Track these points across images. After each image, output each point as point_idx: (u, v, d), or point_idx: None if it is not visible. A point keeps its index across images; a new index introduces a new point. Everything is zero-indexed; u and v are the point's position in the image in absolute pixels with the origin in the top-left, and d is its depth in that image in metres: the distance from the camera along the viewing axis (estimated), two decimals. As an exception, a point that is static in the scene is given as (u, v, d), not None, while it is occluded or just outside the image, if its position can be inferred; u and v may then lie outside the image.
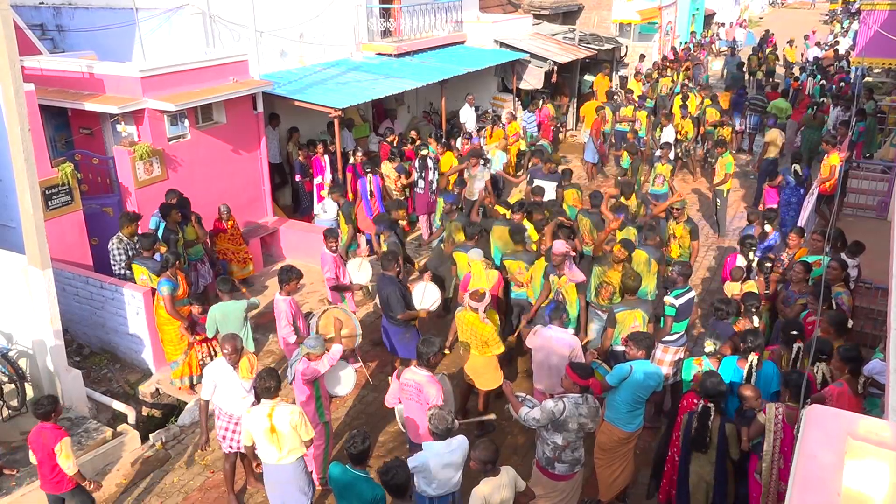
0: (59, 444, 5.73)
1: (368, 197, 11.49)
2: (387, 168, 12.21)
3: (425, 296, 7.99)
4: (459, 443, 5.35)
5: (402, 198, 11.98)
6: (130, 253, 8.56)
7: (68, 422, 7.48)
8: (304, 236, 11.46)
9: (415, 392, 6.00)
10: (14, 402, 7.50)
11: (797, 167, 12.01)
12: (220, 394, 6.29)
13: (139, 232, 8.67)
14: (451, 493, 5.45)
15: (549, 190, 11.06)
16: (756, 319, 7.25)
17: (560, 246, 7.77)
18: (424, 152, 12.32)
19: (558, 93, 19.00)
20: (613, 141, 15.92)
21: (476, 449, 5.01)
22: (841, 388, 5.64)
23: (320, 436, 6.62)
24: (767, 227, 9.40)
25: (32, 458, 5.96)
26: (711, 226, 13.28)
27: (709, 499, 5.82)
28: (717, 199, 12.85)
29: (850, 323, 6.69)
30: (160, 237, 8.90)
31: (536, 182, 11.18)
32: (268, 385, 5.66)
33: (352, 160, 12.15)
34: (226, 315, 7.70)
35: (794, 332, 6.40)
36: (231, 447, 6.46)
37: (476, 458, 4.97)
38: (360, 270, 9.09)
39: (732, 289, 8.18)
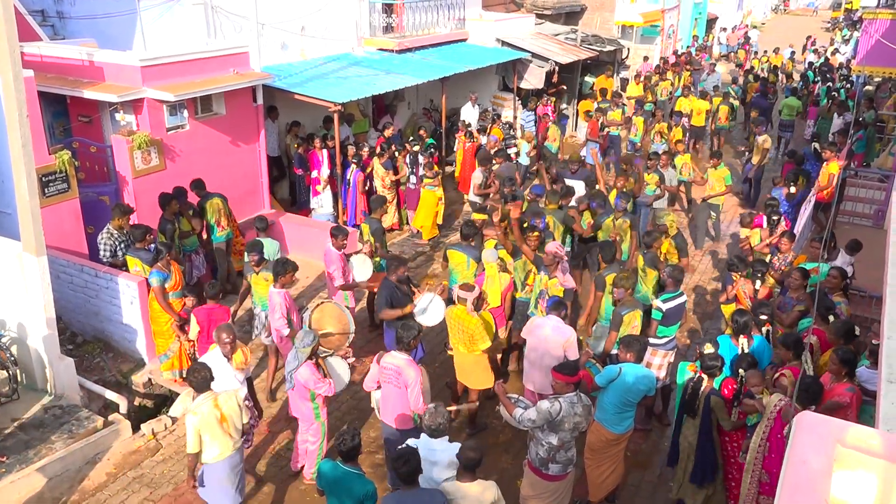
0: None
1: (346, 187, 11.79)
2: (376, 165, 12.22)
3: (429, 309, 7.58)
4: (447, 447, 5.33)
5: (389, 195, 12.02)
6: (121, 245, 8.54)
7: (59, 410, 7.47)
8: (301, 230, 11.45)
9: (393, 376, 6.08)
10: (6, 389, 7.48)
11: (816, 146, 13.92)
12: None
13: (130, 224, 8.65)
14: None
15: (579, 189, 10.97)
16: (759, 283, 8.11)
17: (552, 247, 7.76)
18: (416, 148, 12.34)
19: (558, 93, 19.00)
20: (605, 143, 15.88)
21: (461, 449, 5.01)
22: (855, 392, 5.72)
23: (317, 433, 6.65)
24: (793, 189, 11.40)
25: (193, 331, 7.50)
26: (706, 232, 13.12)
27: (689, 461, 6.26)
28: (712, 212, 12.61)
29: (857, 330, 6.75)
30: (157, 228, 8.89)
31: (567, 182, 11.15)
32: (204, 375, 5.62)
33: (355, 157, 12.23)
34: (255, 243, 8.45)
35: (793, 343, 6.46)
36: None
37: (460, 455, 4.98)
38: (362, 267, 8.97)
39: (743, 233, 10.02)
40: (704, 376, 6.20)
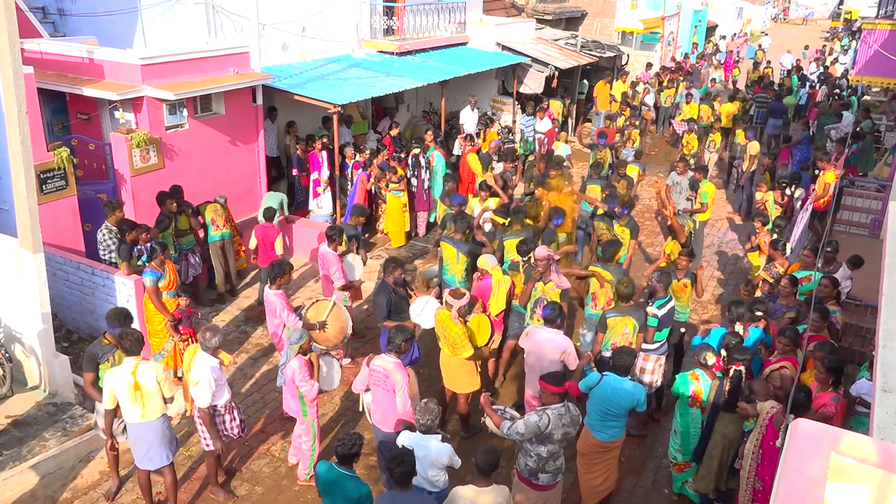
0: (278, 238, 9.39)
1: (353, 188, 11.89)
2: (374, 167, 12.21)
3: (424, 311, 7.57)
4: (436, 444, 5.34)
5: (388, 196, 11.99)
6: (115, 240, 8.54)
7: (53, 407, 7.45)
8: (297, 231, 11.44)
9: (382, 378, 6.08)
10: (-1, 386, 7.46)
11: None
12: (206, 392, 6.27)
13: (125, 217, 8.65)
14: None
15: None
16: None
17: (542, 251, 7.74)
18: (417, 151, 12.33)
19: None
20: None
21: (477, 452, 5.04)
22: (839, 402, 5.77)
23: (307, 433, 6.63)
24: (816, 172, 12.18)
25: (253, 243, 9.49)
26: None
27: (726, 454, 6.29)
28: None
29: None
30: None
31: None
32: (130, 341, 5.84)
33: (357, 157, 12.20)
34: (265, 198, 10.40)
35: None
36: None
37: (475, 459, 5.00)
38: (356, 265, 8.99)
39: (758, 196, 11.74)
40: (741, 369, 6.24)
